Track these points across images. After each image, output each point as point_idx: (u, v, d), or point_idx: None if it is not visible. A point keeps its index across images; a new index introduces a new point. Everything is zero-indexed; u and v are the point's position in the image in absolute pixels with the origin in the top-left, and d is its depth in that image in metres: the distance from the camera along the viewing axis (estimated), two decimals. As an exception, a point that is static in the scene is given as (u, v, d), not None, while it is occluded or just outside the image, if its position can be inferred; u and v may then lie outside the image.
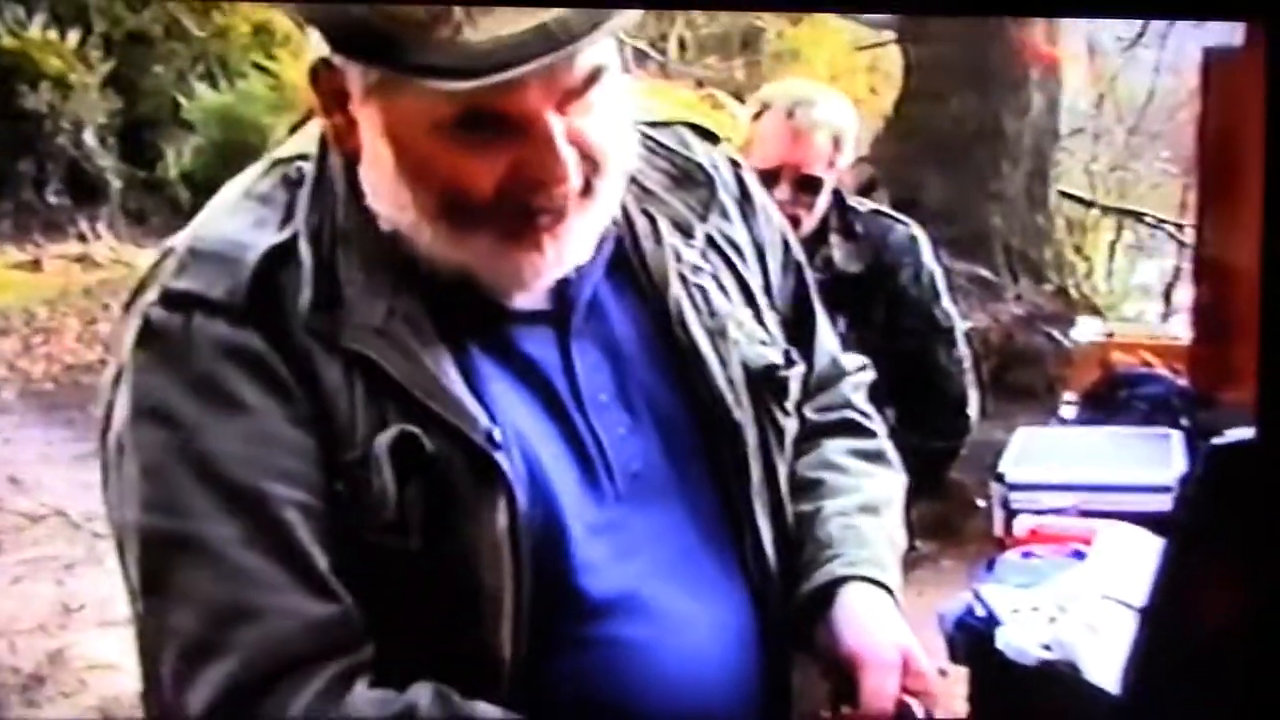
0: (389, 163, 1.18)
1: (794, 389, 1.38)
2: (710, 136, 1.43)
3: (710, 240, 1.36)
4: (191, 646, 1.14)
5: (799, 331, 1.45)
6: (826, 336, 1.51)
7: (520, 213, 1.18)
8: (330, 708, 1.12)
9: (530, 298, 1.25)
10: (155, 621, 1.17)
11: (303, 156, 1.26)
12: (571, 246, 1.22)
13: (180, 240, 1.23)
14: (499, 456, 1.17)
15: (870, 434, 1.49)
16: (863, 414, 1.51)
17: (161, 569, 1.15)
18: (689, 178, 1.37)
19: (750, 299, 1.37)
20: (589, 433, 1.25)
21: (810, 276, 1.49)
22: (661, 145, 1.38)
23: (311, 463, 1.16)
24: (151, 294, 1.20)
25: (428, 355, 1.18)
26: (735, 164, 1.44)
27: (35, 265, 9.90)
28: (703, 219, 1.36)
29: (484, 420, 1.18)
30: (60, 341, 8.60)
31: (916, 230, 2.91)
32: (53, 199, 10.61)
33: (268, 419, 1.16)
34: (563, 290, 1.27)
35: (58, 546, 5.54)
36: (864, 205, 2.91)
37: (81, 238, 10.33)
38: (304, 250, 1.19)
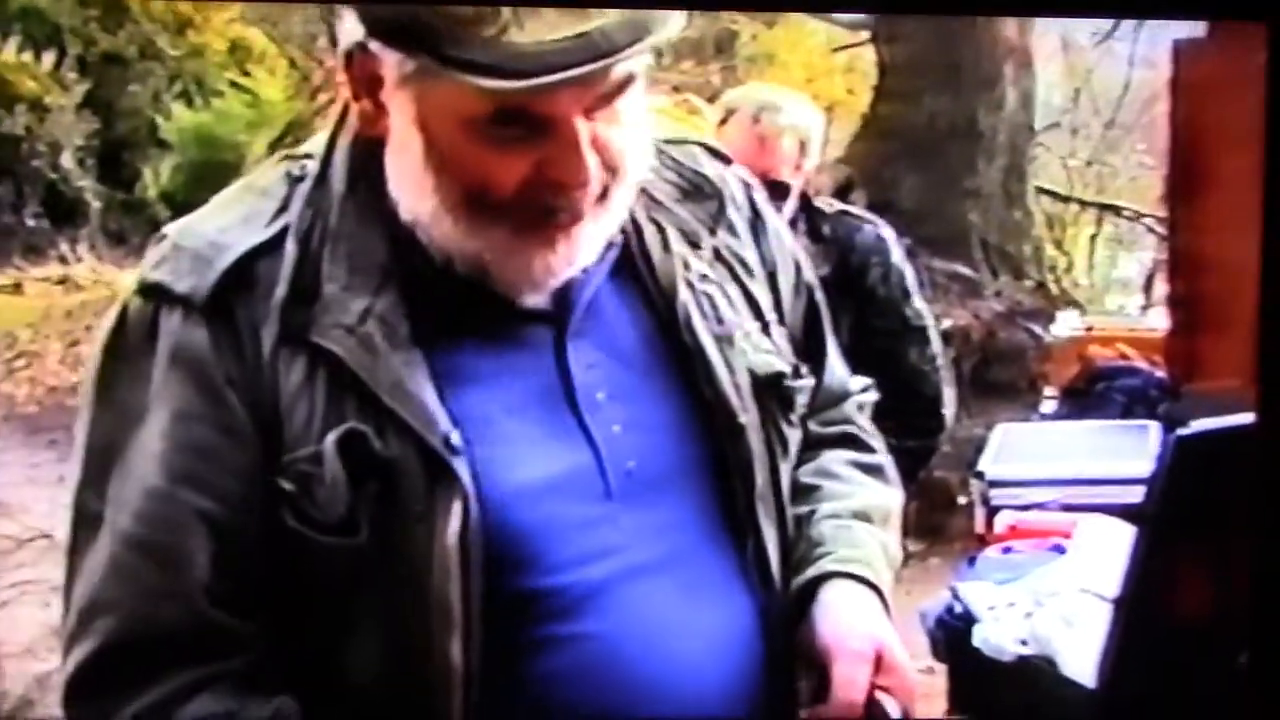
0: (418, 151, 1.20)
1: (800, 401, 1.39)
2: (722, 157, 1.46)
3: (717, 253, 1.38)
4: (75, 620, 1.19)
5: (809, 351, 1.47)
6: (835, 358, 1.53)
7: (538, 211, 1.20)
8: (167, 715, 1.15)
9: (530, 297, 1.27)
10: (66, 587, 1.21)
11: (309, 155, 1.28)
12: (582, 249, 1.24)
13: (172, 228, 1.26)
14: (455, 462, 1.17)
15: (870, 449, 1.51)
16: (864, 430, 1.53)
17: (76, 542, 1.21)
18: (699, 191, 1.39)
19: (758, 313, 1.39)
20: (580, 429, 1.26)
21: (822, 299, 1.51)
22: (672, 159, 1.40)
23: (229, 472, 1.18)
24: (133, 280, 1.24)
25: (396, 356, 1.19)
26: (747, 184, 1.46)
27: (16, 288, 9.87)
28: (711, 232, 1.38)
29: (444, 424, 1.18)
30: (43, 365, 8.58)
31: (885, 230, 2.92)
32: (32, 222, 10.58)
33: (194, 423, 1.18)
34: (564, 291, 1.28)
35: (44, 570, 5.50)
36: (831, 206, 2.91)
37: (62, 260, 10.30)
38: (289, 245, 1.21)
